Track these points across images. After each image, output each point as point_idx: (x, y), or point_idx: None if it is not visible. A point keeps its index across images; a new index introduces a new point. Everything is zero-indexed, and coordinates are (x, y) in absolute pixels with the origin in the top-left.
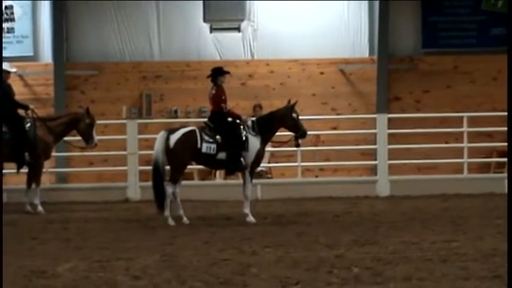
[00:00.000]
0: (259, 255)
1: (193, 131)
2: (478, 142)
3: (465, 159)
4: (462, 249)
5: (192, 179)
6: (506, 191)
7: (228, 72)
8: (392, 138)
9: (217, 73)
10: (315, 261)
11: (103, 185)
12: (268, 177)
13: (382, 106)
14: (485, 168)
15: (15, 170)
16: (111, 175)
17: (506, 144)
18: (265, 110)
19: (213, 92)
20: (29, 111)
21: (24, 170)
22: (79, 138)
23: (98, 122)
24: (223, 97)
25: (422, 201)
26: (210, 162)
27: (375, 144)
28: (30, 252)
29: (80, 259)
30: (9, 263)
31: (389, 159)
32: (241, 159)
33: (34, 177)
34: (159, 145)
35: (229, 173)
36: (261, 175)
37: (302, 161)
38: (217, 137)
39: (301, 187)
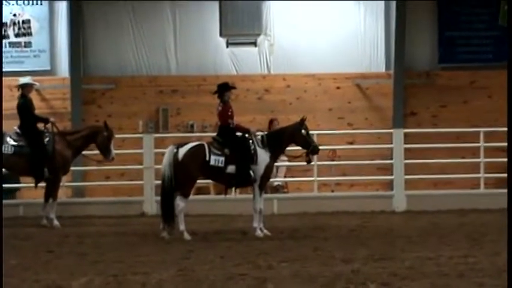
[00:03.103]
0: (275, 269)
1: (201, 145)
2: (495, 157)
3: (482, 175)
4: (479, 264)
5: (209, 193)
6: None
7: (233, 88)
8: (408, 153)
9: (223, 89)
10: (331, 276)
11: (119, 199)
12: (285, 192)
13: (399, 121)
14: (502, 183)
15: (33, 184)
16: (127, 189)
17: None
18: (282, 125)
19: (220, 108)
20: (49, 125)
21: (42, 184)
22: (96, 152)
23: (115, 136)
24: (229, 113)
25: (439, 216)
26: (219, 176)
27: (391, 159)
28: (46, 266)
29: (96, 273)
30: (25, 277)
31: (405, 174)
32: (251, 172)
33: (51, 191)
34: (167, 159)
35: (239, 186)
36: (277, 189)
37: (318, 176)
38: (226, 150)
39: (318, 202)
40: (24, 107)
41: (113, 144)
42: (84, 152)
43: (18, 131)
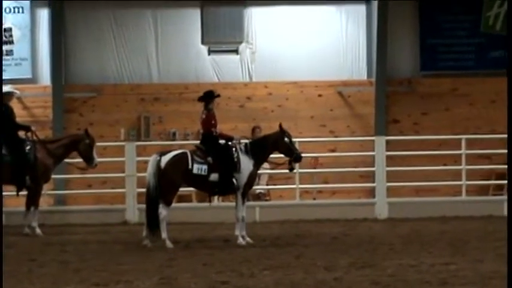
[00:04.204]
0: (257, 277)
1: (184, 153)
2: (477, 164)
3: (464, 182)
4: (461, 272)
5: (191, 201)
6: (505, 213)
7: (218, 96)
8: (390, 161)
9: (208, 97)
10: (313, 283)
11: (101, 207)
12: (266, 199)
13: (381, 128)
14: (484, 190)
15: (14, 193)
16: (109, 197)
17: (505, 166)
18: (264, 133)
19: (203, 116)
20: (30, 133)
21: (23, 192)
22: (79, 159)
23: (97, 144)
24: (212, 121)
25: (421, 223)
26: (202, 184)
27: (374, 166)
28: (29, 275)
29: (79, 282)
30: (8, 286)
31: (387, 181)
32: (234, 180)
33: (33, 199)
34: (151, 168)
35: (222, 194)
36: (259, 197)
37: (300, 183)
38: (209, 158)
39: (300, 209)
40: (5, 115)
41: (95, 151)
42: (67, 160)
43: None
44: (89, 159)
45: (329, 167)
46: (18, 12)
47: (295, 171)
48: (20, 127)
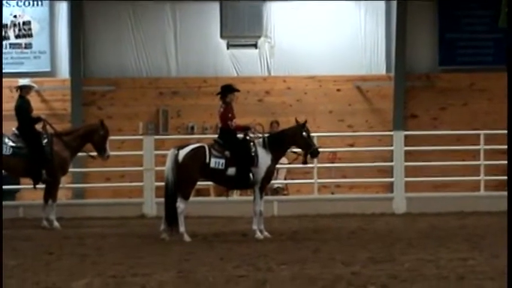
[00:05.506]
0: (275, 271)
1: (202, 147)
2: (495, 160)
3: (482, 177)
4: (478, 267)
5: (209, 195)
6: None
7: (237, 90)
8: (408, 156)
9: (227, 91)
10: (330, 278)
11: (119, 201)
12: (285, 194)
13: (399, 123)
14: (502, 186)
15: (31, 186)
16: (127, 191)
17: None
18: (282, 127)
19: (221, 110)
20: (46, 125)
21: (41, 185)
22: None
23: (115, 137)
24: (230, 115)
25: (439, 218)
26: (219, 178)
27: (392, 161)
28: (46, 267)
29: (96, 275)
30: (25, 278)
31: (405, 176)
32: (251, 174)
33: (51, 193)
34: (169, 163)
35: (239, 188)
36: (277, 191)
37: (318, 178)
38: (226, 152)
39: (317, 204)
40: (22, 108)
41: (108, 143)
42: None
43: (16, 132)
44: (101, 151)
45: (347, 161)
46: (37, 5)
47: (312, 165)
48: (33, 120)
